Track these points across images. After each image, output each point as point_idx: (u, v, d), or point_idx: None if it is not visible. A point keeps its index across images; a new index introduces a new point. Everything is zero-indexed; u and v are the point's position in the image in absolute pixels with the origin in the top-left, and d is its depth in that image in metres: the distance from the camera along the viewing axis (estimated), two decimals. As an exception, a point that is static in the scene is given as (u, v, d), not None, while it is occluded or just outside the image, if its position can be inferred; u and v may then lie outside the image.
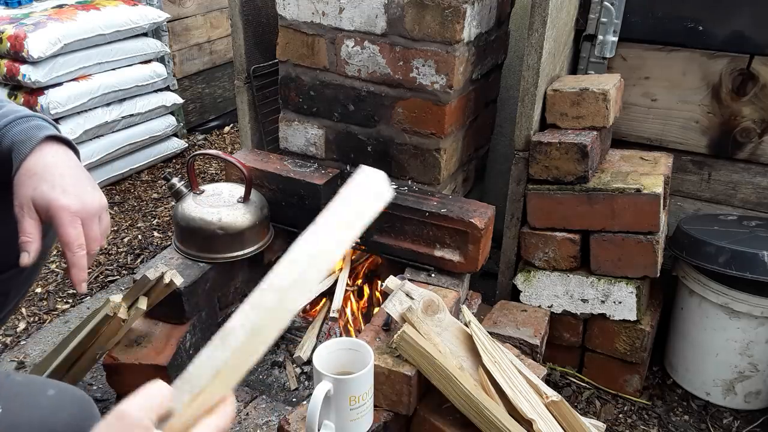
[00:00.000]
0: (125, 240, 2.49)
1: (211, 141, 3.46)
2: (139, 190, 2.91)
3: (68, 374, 1.44)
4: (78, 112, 2.64)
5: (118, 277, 2.23)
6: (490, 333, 1.42)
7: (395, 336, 1.26)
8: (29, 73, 2.44)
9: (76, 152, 1.05)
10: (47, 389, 0.93)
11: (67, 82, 2.59)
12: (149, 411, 0.56)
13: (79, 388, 0.99)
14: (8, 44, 2.43)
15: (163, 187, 2.88)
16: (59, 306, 2.06)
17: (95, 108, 2.71)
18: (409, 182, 1.67)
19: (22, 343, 1.87)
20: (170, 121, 3.10)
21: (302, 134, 1.78)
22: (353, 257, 1.85)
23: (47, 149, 0.99)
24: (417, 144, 1.63)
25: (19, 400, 0.90)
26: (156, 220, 2.67)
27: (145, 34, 2.92)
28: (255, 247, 1.61)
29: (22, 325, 1.97)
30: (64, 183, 0.97)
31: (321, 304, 1.77)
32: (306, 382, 1.57)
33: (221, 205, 1.57)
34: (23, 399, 0.91)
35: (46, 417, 0.90)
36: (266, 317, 0.57)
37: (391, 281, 1.44)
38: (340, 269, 1.81)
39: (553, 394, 1.25)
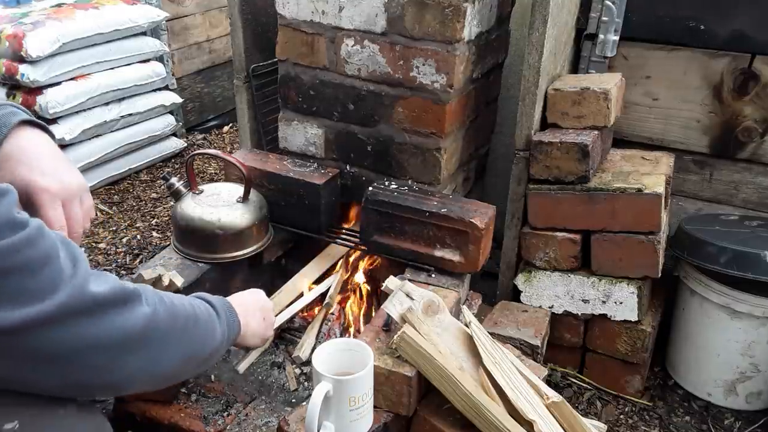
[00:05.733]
0: (124, 240, 2.48)
1: (211, 140, 3.46)
2: (138, 190, 2.90)
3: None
4: (77, 112, 2.63)
5: (116, 277, 2.22)
6: (491, 333, 1.41)
7: (395, 336, 1.26)
8: (28, 73, 2.43)
9: (52, 137, 1.02)
10: (66, 404, 0.88)
11: (65, 81, 2.58)
12: None
13: (95, 407, 0.97)
14: (7, 43, 2.43)
15: (162, 187, 2.87)
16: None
17: (94, 107, 2.70)
18: (409, 182, 1.66)
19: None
20: (169, 120, 3.09)
21: (302, 134, 1.77)
22: (353, 257, 1.84)
23: (22, 133, 0.96)
24: (417, 144, 1.62)
25: (38, 416, 0.85)
26: (155, 220, 2.66)
27: (144, 33, 2.92)
28: (255, 247, 1.61)
29: None
30: (42, 165, 0.94)
31: (320, 304, 1.77)
32: (305, 383, 1.56)
33: (220, 204, 1.57)
34: (42, 414, 0.86)
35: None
36: None
37: (391, 281, 1.43)
38: (338, 270, 1.80)
39: (553, 395, 1.24)
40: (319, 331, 1.67)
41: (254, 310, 1.25)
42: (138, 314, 0.85)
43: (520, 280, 1.76)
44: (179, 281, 1.43)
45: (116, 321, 0.82)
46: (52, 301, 0.75)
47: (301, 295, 1.70)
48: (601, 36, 1.83)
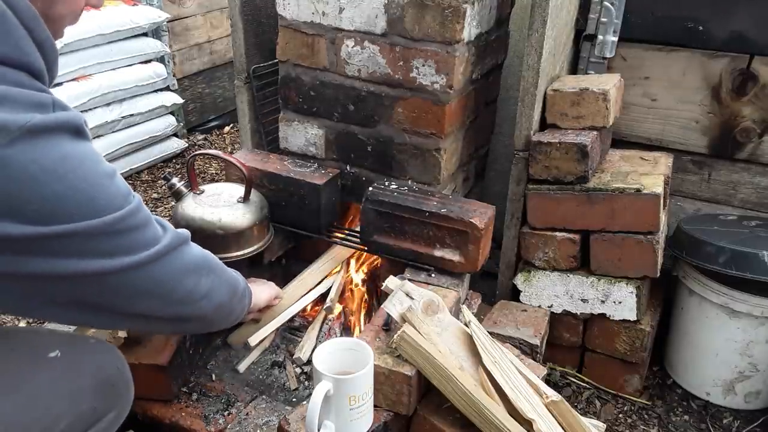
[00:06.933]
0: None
1: (211, 141, 3.46)
2: (139, 190, 2.91)
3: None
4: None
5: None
6: (490, 333, 1.42)
7: (395, 336, 1.26)
8: (29, 73, 2.44)
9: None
10: (89, 339, 1.18)
11: (67, 82, 2.59)
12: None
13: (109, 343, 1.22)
14: (8, 44, 2.43)
15: (163, 187, 2.88)
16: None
17: (95, 108, 2.71)
18: (409, 182, 1.67)
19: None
20: (170, 121, 3.10)
21: (302, 134, 1.77)
22: (353, 258, 1.85)
23: None
24: (417, 144, 1.63)
25: (72, 346, 1.11)
26: (156, 220, 2.67)
27: (145, 34, 2.92)
28: (255, 247, 1.61)
29: (22, 325, 1.97)
30: None
31: (321, 304, 1.77)
32: (306, 382, 1.57)
33: (221, 205, 1.57)
34: (75, 345, 1.13)
35: (96, 359, 1.12)
36: None
37: (391, 281, 1.44)
38: (338, 270, 1.81)
39: (553, 394, 1.24)
40: (320, 331, 1.67)
41: (251, 284, 1.43)
42: (196, 248, 1.11)
43: (519, 280, 1.76)
44: (180, 281, 1.44)
45: (188, 253, 1.07)
46: (156, 247, 0.98)
47: (303, 295, 1.71)
48: (600, 37, 1.84)
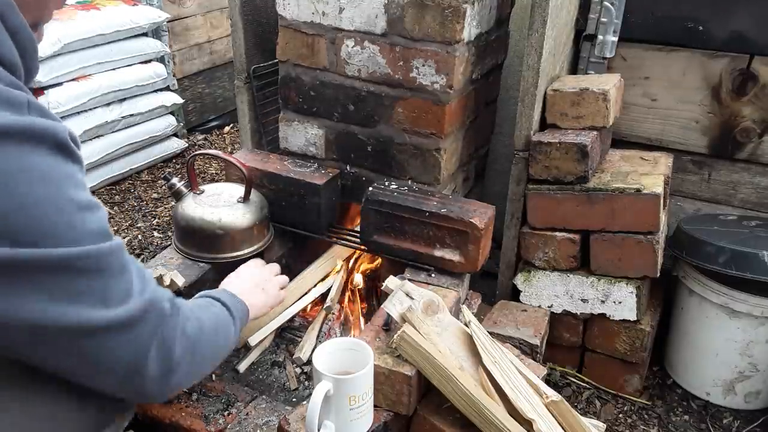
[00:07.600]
0: (125, 240, 2.49)
1: (211, 141, 3.46)
2: (139, 190, 2.91)
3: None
4: (78, 112, 2.64)
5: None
6: (490, 333, 1.42)
7: (395, 336, 1.26)
8: (29, 73, 2.44)
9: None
10: None
11: (67, 82, 2.59)
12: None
13: None
14: (8, 44, 2.43)
15: (163, 187, 2.88)
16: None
17: (95, 108, 2.71)
18: (409, 182, 1.67)
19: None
20: (170, 121, 3.10)
21: (302, 134, 1.77)
22: (353, 257, 1.85)
23: None
24: (417, 144, 1.63)
25: None
26: (156, 220, 2.67)
27: (145, 34, 2.92)
28: (255, 247, 1.61)
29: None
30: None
31: (321, 303, 1.77)
32: (306, 382, 1.57)
33: (221, 205, 1.57)
34: None
35: None
36: None
37: (391, 281, 1.44)
38: (338, 270, 1.81)
39: (553, 394, 1.24)
40: (320, 331, 1.67)
41: (252, 288, 1.32)
42: (185, 322, 0.93)
43: (519, 280, 1.76)
44: (180, 281, 1.44)
45: (167, 331, 0.89)
46: (128, 306, 0.82)
47: (303, 295, 1.71)
48: (600, 37, 1.84)
